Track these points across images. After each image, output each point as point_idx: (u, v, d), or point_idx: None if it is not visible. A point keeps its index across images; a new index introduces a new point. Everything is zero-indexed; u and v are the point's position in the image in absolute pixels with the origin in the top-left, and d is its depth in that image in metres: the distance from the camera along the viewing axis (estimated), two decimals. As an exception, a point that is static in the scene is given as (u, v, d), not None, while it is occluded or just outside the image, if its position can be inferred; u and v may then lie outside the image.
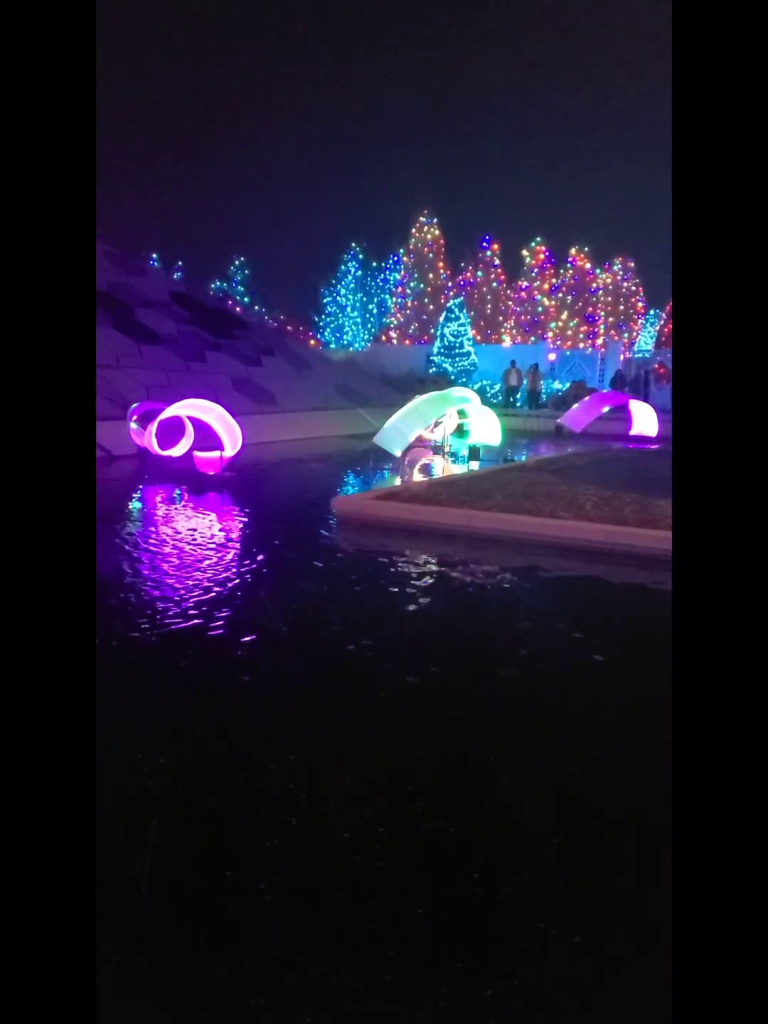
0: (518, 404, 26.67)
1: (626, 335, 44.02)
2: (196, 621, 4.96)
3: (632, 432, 19.94)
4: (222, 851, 2.66)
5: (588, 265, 44.91)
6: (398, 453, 12.42)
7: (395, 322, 44.83)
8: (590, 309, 44.62)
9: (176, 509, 9.30)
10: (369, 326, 46.12)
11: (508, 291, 44.79)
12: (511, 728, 3.65)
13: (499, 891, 2.47)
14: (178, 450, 12.59)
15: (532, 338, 41.65)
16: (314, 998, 2.05)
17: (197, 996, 2.08)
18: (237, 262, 48.69)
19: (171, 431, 12.60)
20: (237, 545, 7.25)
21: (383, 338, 44.03)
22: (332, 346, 43.22)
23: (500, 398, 27.60)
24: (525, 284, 44.53)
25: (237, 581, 5.95)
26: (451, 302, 34.38)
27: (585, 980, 2.15)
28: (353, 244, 46.23)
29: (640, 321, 46.01)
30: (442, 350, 31.95)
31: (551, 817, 2.89)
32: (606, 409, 19.30)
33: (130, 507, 9.51)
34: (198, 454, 11.88)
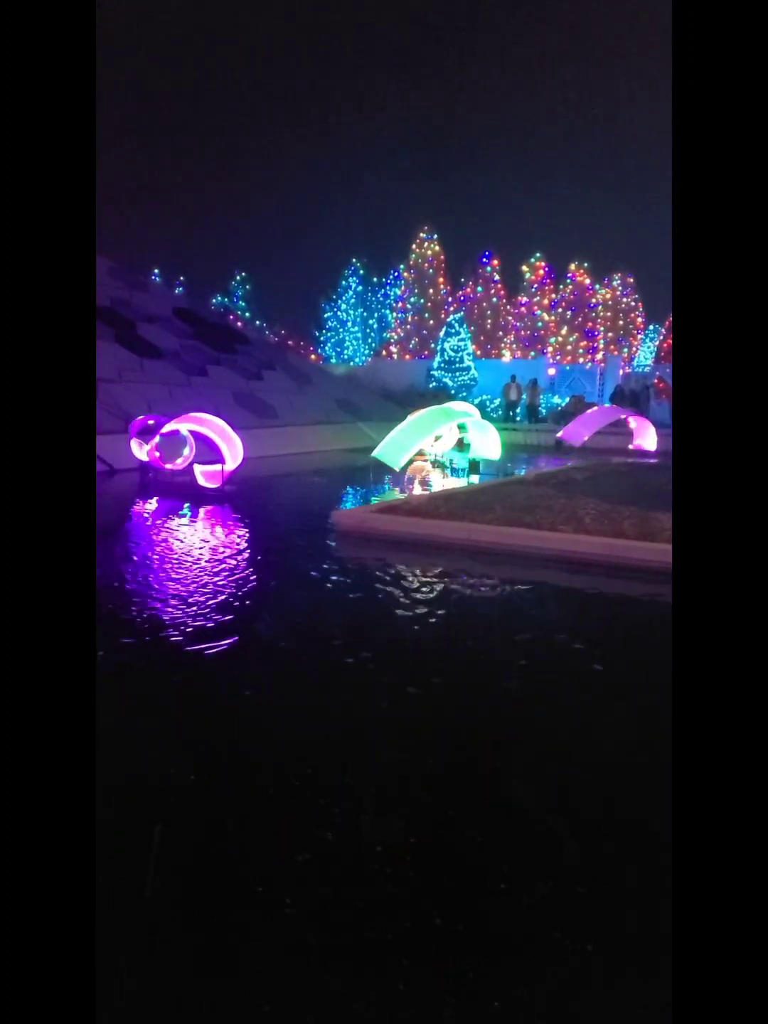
0: (518, 418, 26.73)
1: (625, 350, 44.19)
2: (196, 635, 4.97)
3: (631, 446, 20.00)
4: (256, 866, 2.64)
5: (587, 281, 45.13)
6: (398, 467, 12.45)
7: (395, 337, 45.00)
8: (589, 324, 44.80)
9: (177, 522, 9.33)
10: (370, 341, 46.32)
11: (508, 306, 44.99)
12: (516, 737, 3.67)
13: (522, 900, 2.48)
14: (180, 464, 12.62)
15: (532, 353, 41.80)
16: (321, 1006, 2.06)
17: (202, 1003, 2.09)
18: (238, 277, 48.96)
19: (173, 445, 12.64)
20: (238, 558, 7.27)
21: (383, 353, 44.20)
22: (333, 361, 43.39)
23: (500, 412, 27.67)
24: (525, 299, 44.74)
25: (237, 595, 5.97)
26: (451, 317, 34.51)
27: (593, 990, 2.16)
28: (354, 259, 46.54)
29: (639, 336, 46.20)
30: (442, 365, 32.04)
31: (570, 825, 2.91)
32: (605, 423, 19.36)
33: (131, 520, 9.54)
34: (199, 468, 11.92)
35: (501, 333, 44.69)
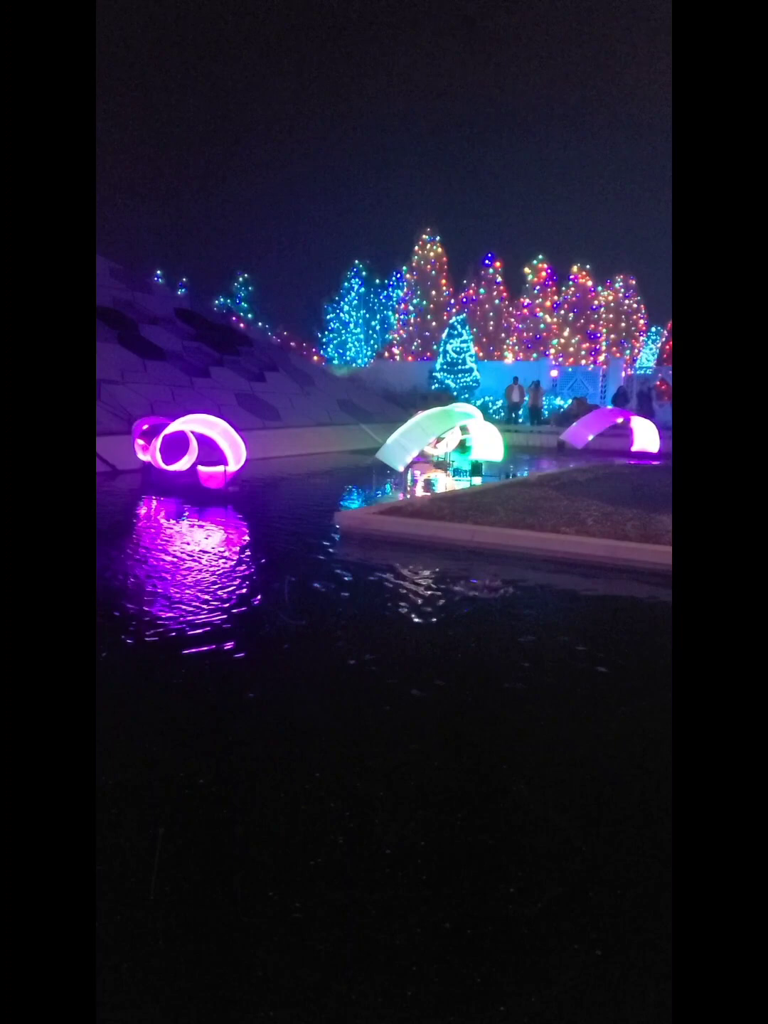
0: (520, 420, 26.72)
1: (628, 352, 44.16)
2: (198, 636, 4.97)
3: (634, 448, 19.97)
4: (263, 870, 2.63)
5: (590, 282, 45.10)
6: (401, 468, 12.46)
7: (398, 338, 45.03)
8: (592, 326, 44.77)
9: (180, 523, 9.33)
10: (372, 342, 46.34)
11: (510, 308, 44.98)
12: (521, 739, 3.65)
13: (531, 904, 2.46)
14: (182, 465, 12.64)
15: (534, 355, 41.76)
16: (326, 1011, 2.05)
17: (205, 1007, 2.07)
18: (241, 279, 49.03)
19: (175, 446, 12.66)
20: (240, 559, 7.27)
21: (386, 354, 44.22)
22: (335, 362, 43.38)
23: (502, 414, 27.66)
24: (527, 301, 44.72)
25: (239, 596, 5.97)
26: (454, 319, 34.51)
27: (599, 995, 2.14)
28: (356, 261, 46.57)
29: (642, 338, 46.16)
30: (445, 366, 32.04)
31: (577, 828, 2.90)
32: (608, 425, 19.36)
33: (133, 521, 9.54)
34: (202, 469, 11.94)
35: (503, 335, 44.68)
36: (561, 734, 3.71)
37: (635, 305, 46.32)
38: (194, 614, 5.39)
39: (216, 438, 12.07)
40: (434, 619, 5.61)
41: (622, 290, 45.93)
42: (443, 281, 45.07)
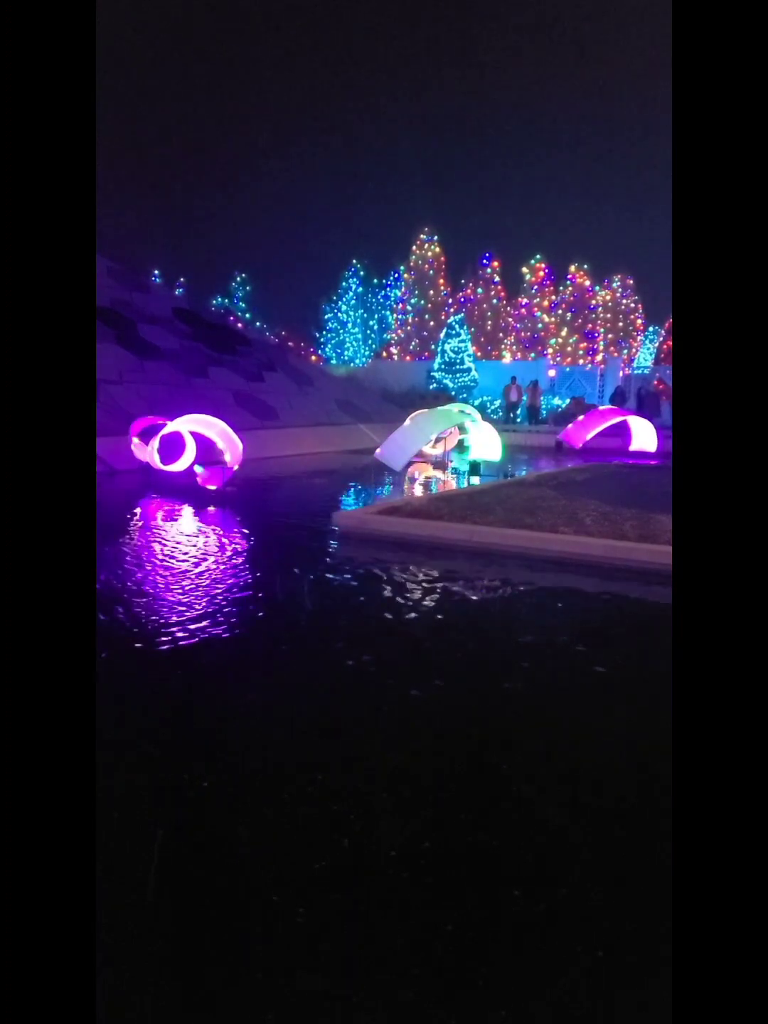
0: (518, 420, 26.74)
1: (625, 352, 44.20)
2: (197, 637, 4.97)
3: (631, 448, 19.99)
4: (268, 873, 2.62)
5: (587, 282, 45.19)
6: (399, 468, 12.46)
7: (396, 338, 45.08)
8: (589, 326, 44.83)
9: (178, 524, 9.32)
10: (370, 342, 46.41)
11: (508, 308, 45.06)
12: (522, 740, 3.65)
13: (535, 906, 2.46)
14: (180, 465, 12.63)
15: (532, 354, 41.84)
16: (324, 1014, 2.05)
17: (203, 1008, 2.07)
18: (239, 278, 49.07)
19: (173, 446, 12.64)
20: (239, 560, 7.26)
21: (384, 354, 44.27)
22: (333, 362, 43.43)
23: (500, 414, 27.68)
24: (525, 301, 44.80)
25: (238, 597, 5.97)
26: (452, 319, 34.56)
27: (600, 996, 2.14)
28: (354, 261, 46.66)
29: (639, 338, 46.23)
30: (443, 366, 32.08)
31: (581, 829, 2.90)
32: (606, 425, 19.39)
33: (131, 521, 9.53)
34: (200, 469, 11.93)
35: (501, 334, 44.74)
36: (561, 734, 3.71)
37: (633, 304, 46.40)
38: (194, 615, 5.39)
39: (214, 438, 12.06)
40: (433, 619, 5.61)
41: (620, 290, 46.00)
42: (441, 281, 45.13)
